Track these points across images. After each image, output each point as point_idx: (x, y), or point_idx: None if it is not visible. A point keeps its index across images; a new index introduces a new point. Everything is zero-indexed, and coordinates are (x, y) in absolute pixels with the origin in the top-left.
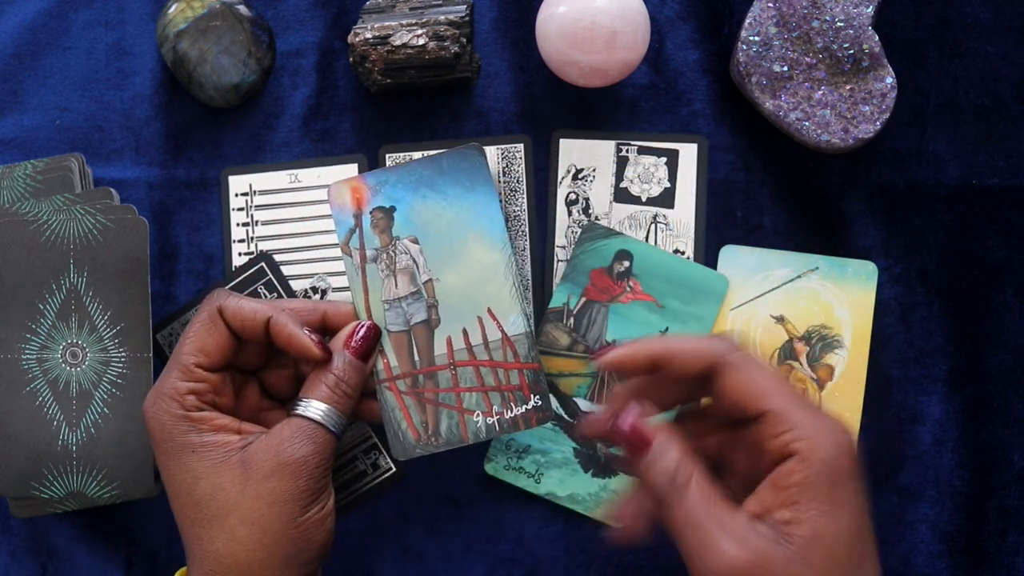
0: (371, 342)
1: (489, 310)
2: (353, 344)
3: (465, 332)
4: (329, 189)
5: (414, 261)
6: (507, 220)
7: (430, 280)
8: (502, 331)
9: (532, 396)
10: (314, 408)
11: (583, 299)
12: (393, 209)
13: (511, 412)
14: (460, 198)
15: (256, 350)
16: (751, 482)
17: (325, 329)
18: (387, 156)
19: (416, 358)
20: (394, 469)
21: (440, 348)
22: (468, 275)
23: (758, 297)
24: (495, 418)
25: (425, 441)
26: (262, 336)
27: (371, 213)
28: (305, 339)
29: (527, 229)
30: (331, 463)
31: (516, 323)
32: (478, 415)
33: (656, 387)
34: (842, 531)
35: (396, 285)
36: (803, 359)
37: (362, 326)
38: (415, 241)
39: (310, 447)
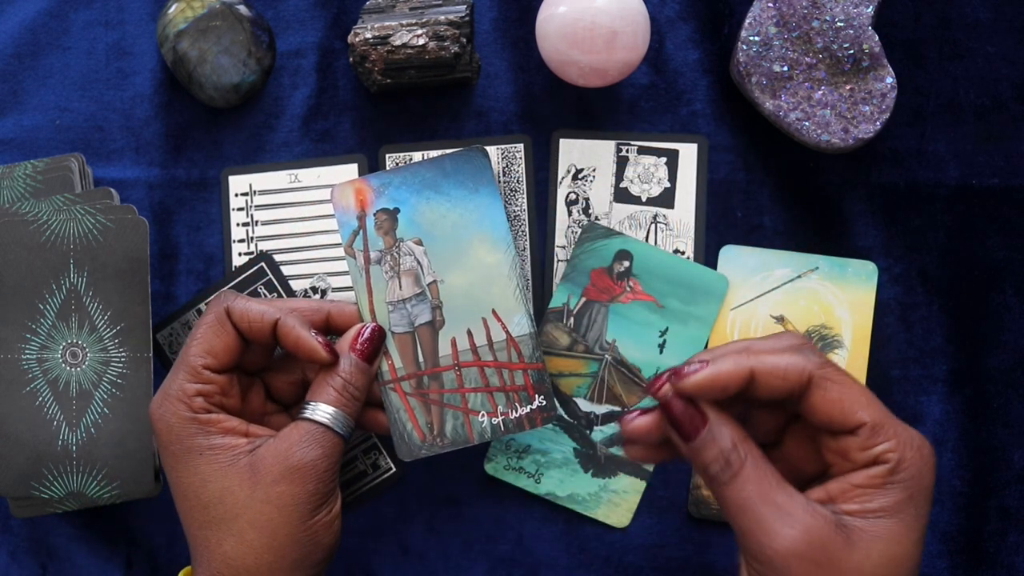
0: (376, 344)
1: (494, 311)
2: (358, 346)
3: (470, 333)
4: (332, 190)
5: (418, 263)
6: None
7: (434, 282)
8: (506, 332)
9: (537, 396)
10: (321, 411)
11: (583, 299)
12: (397, 211)
13: (516, 412)
14: (464, 200)
15: (261, 351)
16: (804, 474)
17: (329, 329)
18: (387, 156)
19: (420, 359)
20: (394, 469)
21: (445, 349)
22: (472, 276)
23: (758, 297)
24: (500, 418)
25: (431, 442)
26: (269, 339)
27: (375, 215)
28: (313, 342)
29: (527, 229)
30: (339, 466)
31: (520, 324)
32: (483, 415)
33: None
34: (906, 537)
35: (400, 287)
36: None
37: (366, 328)
38: (419, 243)
39: (319, 451)
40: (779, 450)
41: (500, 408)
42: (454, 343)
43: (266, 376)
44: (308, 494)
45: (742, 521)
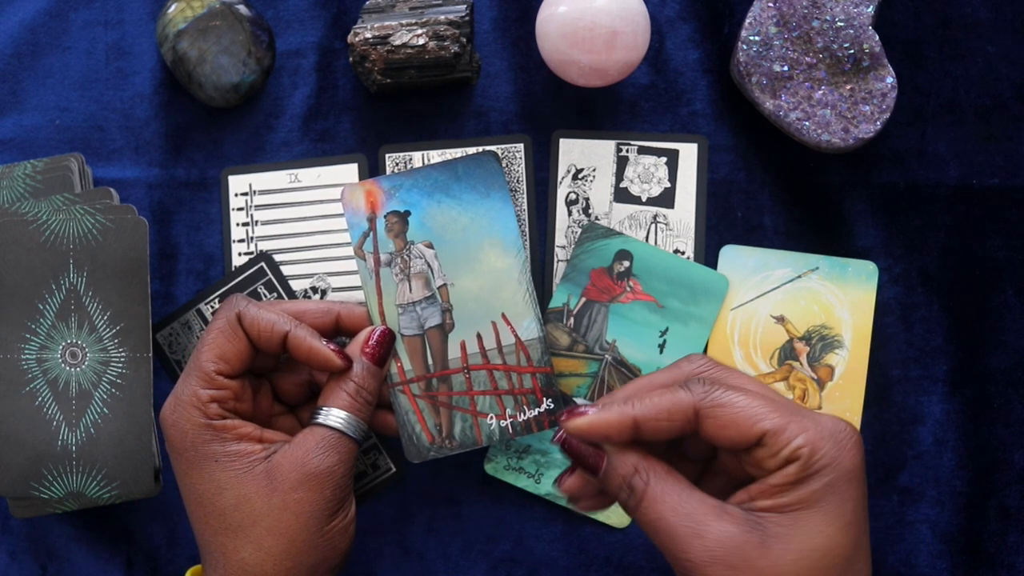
0: (387, 347)
1: (503, 315)
2: (369, 350)
3: (479, 336)
4: (343, 191)
5: (428, 266)
6: None
7: (444, 285)
8: (516, 336)
9: (544, 399)
10: (335, 416)
11: (583, 299)
12: (408, 213)
13: (524, 415)
14: (475, 204)
15: (271, 355)
16: (742, 482)
17: (339, 331)
18: (387, 156)
19: (430, 362)
20: (394, 469)
21: (454, 352)
22: (483, 280)
23: (758, 297)
24: (508, 421)
25: (439, 444)
26: (278, 349)
27: (385, 217)
28: (326, 351)
29: (527, 229)
30: (353, 471)
31: (530, 328)
32: (491, 418)
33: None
34: (828, 525)
35: (410, 289)
36: (803, 359)
37: (376, 331)
38: (430, 246)
39: (335, 457)
40: (716, 463)
41: (508, 411)
42: (463, 346)
43: (273, 377)
44: (325, 500)
45: (659, 539)
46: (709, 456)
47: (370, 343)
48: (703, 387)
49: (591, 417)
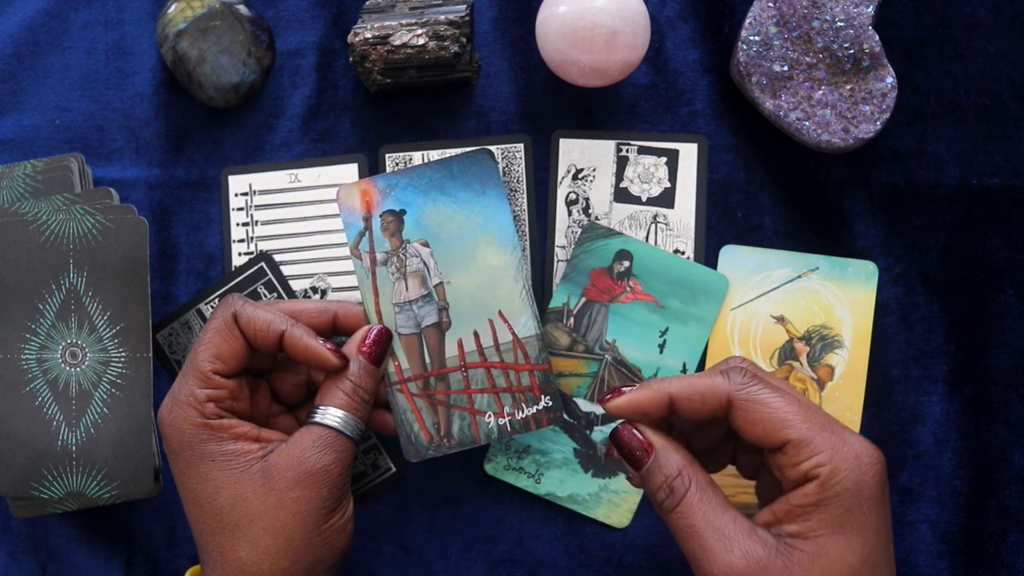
0: (383, 346)
1: (500, 313)
2: (365, 348)
3: (476, 334)
4: (338, 191)
5: (425, 264)
6: None
7: (441, 283)
8: (513, 333)
9: (543, 397)
10: (332, 415)
11: (583, 299)
12: (403, 212)
13: (522, 413)
14: (471, 202)
15: (268, 354)
16: (767, 495)
17: (336, 330)
18: (387, 156)
19: (427, 360)
20: (394, 469)
21: (451, 350)
22: (479, 278)
23: (758, 297)
24: (507, 419)
25: (438, 443)
26: (274, 348)
27: (381, 216)
28: (323, 350)
29: (527, 229)
30: (351, 469)
31: (527, 325)
32: (490, 416)
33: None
34: (850, 554)
35: (407, 288)
36: (803, 359)
37: (373, 330)
38: (426, 244)
39: (332, 456)
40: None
41: (507, 409)
42: (460, 344)
43: (271, 377)
44: (322, 499)
45: (687, 546)
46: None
47: (367, 342)
48: (743, 378)
49: (629, 395)
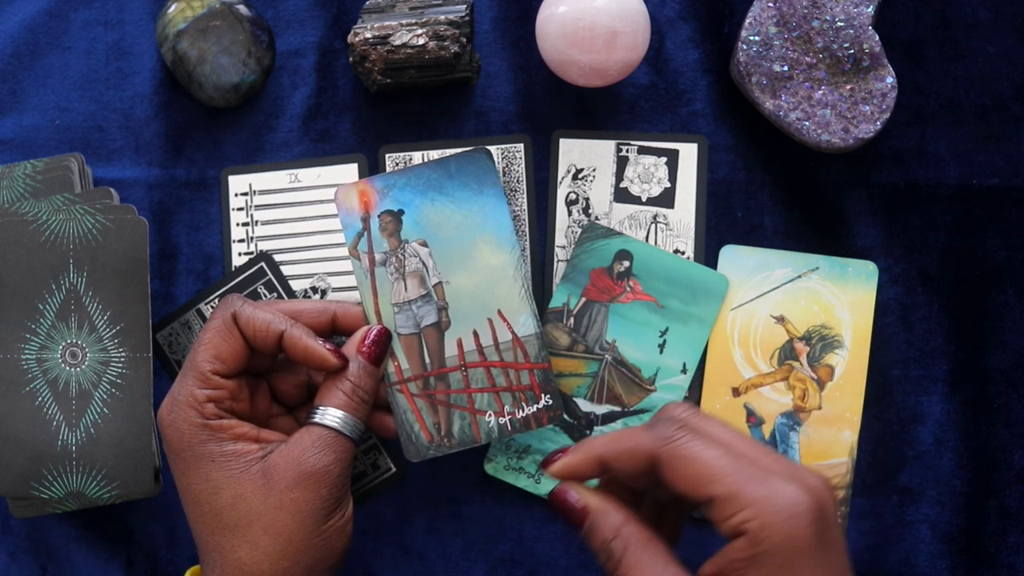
0: (383, 346)
1: (499, 312)
2: (365, 349)
3: (476, 334)
4: (336, 192)
5: (423, 264)
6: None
7: (440, 283)
8: (512, 332)
9: (543, 395)
10: (331, 416)
11: (583, 299)
12: (401, 212)
13: (523, 412)
14: (469, 201)
15: (268, 355)
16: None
17: (335, 330)
18: (387, 156)
19: (427, 360)
20: (394, 469)
21: (451, 350)
22: (478, 277)
23: (758, 297)
24: (507, 418)
25: (438, 442)
26: (274, 348)
27: (379, 216)
28: (322, 350)
29: (527, 229)
30: (350, 470)
31: (526, 324)
32: (490, 415)
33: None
34: None
35: (406, 288)
36: (803, 359)
37: (372, 330)
38: (424, 244)
39: (331, 456)
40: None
41: (507, 408)
42: (460, 344)
43: (271, 378)
44: (322, 500)
45: None
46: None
47: (366, 342)
48: (669, 431)
49: (563, 460)
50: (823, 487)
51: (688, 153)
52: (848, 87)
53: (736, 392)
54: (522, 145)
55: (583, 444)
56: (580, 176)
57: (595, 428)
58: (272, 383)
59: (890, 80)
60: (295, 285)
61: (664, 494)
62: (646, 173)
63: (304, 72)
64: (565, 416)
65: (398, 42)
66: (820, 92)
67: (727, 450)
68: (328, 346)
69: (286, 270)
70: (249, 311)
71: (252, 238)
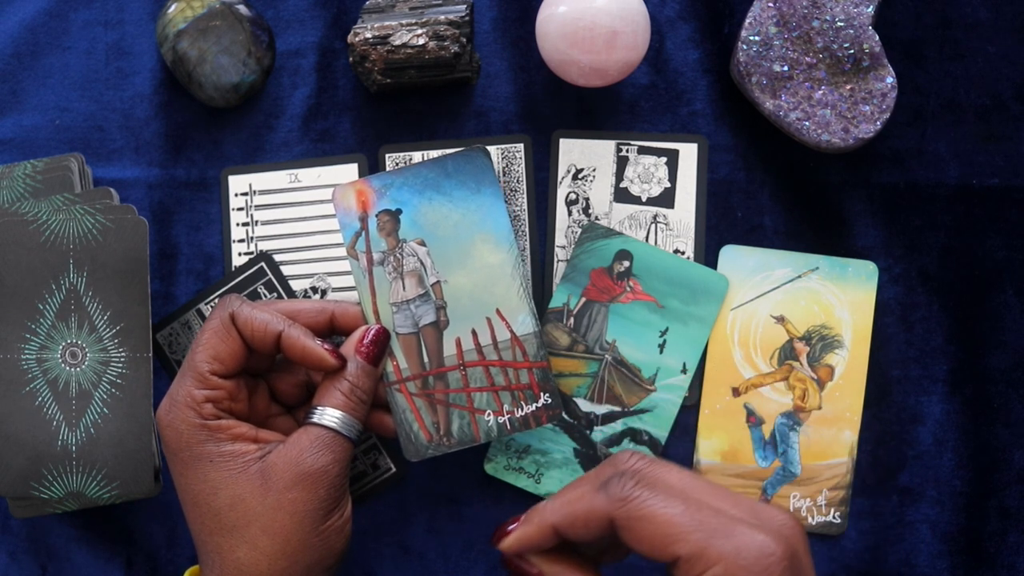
0: (381, 346)
1: (498, 311)
2: (363, 349)
3: (474, 333)
4: (334, 192)
5: (421, 263)
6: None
7: (438, 282)
8: (511, 331)
9: (542, 394)
10: (330, 416)
11: (583, 299)
12: (399, 212)
13: (522, 411)
14: (466, 200)
15: (266, 355)
16: None
17: (334, 330)
18: (387, 156)
19: (425, 359)
20: (394, 469)
21: (449, 349)
22: (476, 276)
23: (758, 297)
24: (506, 417)
25: (437, 442)
26: (272, 349)
27: (377, 216)
28: (320, 351)
29: (527, 229)
30: (349, 470)
31: (525, 323)
32: (489, 414)
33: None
34: None
35: (404, 288)
36: (803, 359)
37: (371, 330)
38: (422, 243)
39: (329, 456)
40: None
41: (506, 407)
42: (459, 343)
43: (270, 378)
44: (320, 500)
45: None
46: None
47: (364, 342)
48: (623, 489)
49: (515, 533)
50: (791, 526)
51: (688, 153)
52: (848, 87)
53: (736, 392)
54: (522, 145)
55: (534, 513)
56: (580, 176)
57: (595, 428)
58: (271, 383)
59: (890, 80)
60: (295, 285)
61: (625, 552)
62: (646, 173)
63: (304, 72)
64: (565, 416)
65: (398, 42)
66: (820, 92)
67: (687, 503)
68: (326, 346)
69: (286, 270)
70: (247, 311)
71: (252, 238)
